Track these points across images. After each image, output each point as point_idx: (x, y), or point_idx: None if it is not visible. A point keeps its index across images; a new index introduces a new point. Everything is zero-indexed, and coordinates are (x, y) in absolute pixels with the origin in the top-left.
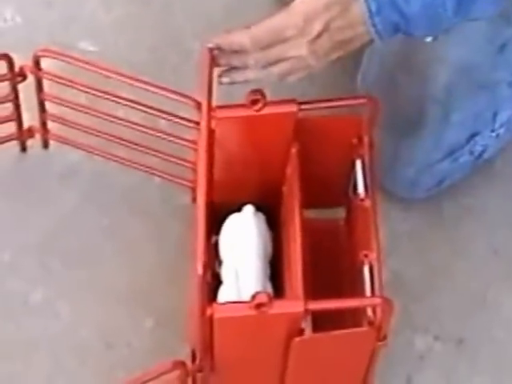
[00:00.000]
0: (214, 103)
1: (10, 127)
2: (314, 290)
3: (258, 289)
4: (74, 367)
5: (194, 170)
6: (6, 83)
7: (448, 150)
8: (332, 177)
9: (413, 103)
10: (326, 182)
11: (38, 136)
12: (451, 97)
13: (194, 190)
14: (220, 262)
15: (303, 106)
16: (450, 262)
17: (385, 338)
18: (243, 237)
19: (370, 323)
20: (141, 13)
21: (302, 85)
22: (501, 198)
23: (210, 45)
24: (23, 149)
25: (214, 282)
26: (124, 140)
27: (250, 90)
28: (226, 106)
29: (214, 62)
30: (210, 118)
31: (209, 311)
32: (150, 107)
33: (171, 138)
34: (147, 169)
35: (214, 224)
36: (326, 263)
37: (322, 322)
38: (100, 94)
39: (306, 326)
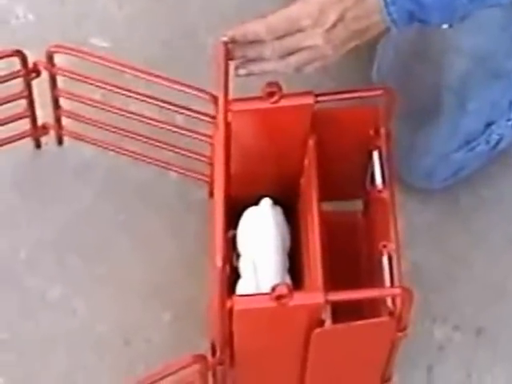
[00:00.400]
0: (229, 97)
1: (24, 124)
2: (332, 282)
3: (277, 281)
4: (92, 363)
5: (210, 164)
6: (19, 80)
7: (464, 139)
8: (349, 168)
9: (428, 93)
10: (343, 173)
11: (52, 132)
12: (467, 86)
13: (210, 184)
14: (238, 256)
15: (320, 98)
16: (468, 252)
17: (405, 328)
18: (261, 230)
19: (390, 314)
20: (153, 8)
21: (317, 77)
22: None
23: (225, 38)
24: (38, 146)
25: (232, 275)
26: (139, 135)
27: (267, 83)
28: (242, 99)
29: (228, 55)
30: (226, 111)
31: (229, 303)
32: (166, 102)
33: (186, 133)
34: (163, 164)
35: (232, 218)
36: (344, 256)
37: (340, 315)
38: (116, 90)
39: (326, 317)
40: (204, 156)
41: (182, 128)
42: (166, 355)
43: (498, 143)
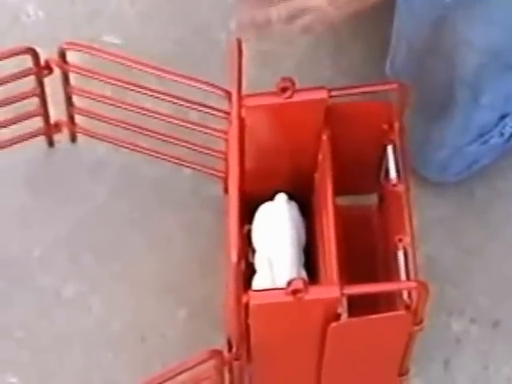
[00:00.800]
0: (243, 92)
1: (37, 122)
2: (348, 276)
3: (293, 276)
4: (108, 361)
5: (225, 160)
6: (31, 78)
7: (478, 131)
8: (363, 163)
9: (442, 87)
10: (357, 168)
11: (65, 130)
12: (480, 79)
13: (224, 180)
14: (253, 252)
15: (333, 93)
16: (484, 245)
17: (421, 321)
18: (276, 225)
19: (407, 307)
20: (166, 4)
21: (330, 73)
22: None
23: None
24: (51, 143)
25: (247, 271)
26: (153, 132)
27: (280, 78)
28: (256, 95)
29: (242, 52)
30: (240, 106)
31: (245, 298)
32: (179, 98)
33: (200, 129)
34: (177, 160)
35: (247, 213)
36: (359, 250)
37: (356, 309)
38: (129, 86)
39: (343, 311)
40: (218, 152)
41: (195, 124)
42: (182, 352)
43: (511, 136)
